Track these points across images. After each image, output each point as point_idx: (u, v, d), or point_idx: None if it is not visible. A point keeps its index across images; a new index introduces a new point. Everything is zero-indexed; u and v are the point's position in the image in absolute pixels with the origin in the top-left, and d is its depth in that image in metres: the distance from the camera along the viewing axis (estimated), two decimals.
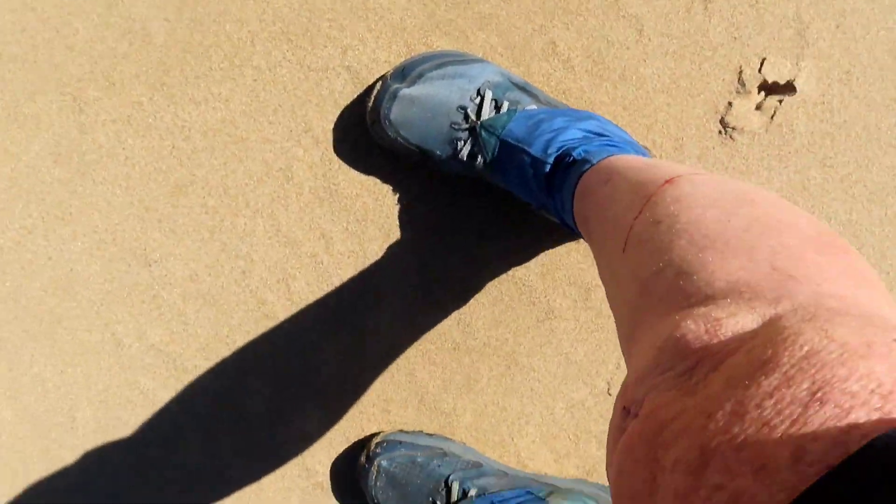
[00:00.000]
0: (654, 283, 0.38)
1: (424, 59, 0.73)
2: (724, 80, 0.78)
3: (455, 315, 0.82)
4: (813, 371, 0.24)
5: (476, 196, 0.79)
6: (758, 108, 0.79)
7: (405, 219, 0.80)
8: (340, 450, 0.86)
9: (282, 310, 0.82)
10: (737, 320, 0.30)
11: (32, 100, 0.76)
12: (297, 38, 0.76)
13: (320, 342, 0.83)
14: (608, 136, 0.68)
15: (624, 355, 0.41)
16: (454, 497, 0.79)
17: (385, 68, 0.76)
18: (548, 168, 0.65)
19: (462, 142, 0.71)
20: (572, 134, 0.67)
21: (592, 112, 0.74)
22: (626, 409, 0.32)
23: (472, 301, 0.82)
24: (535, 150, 0.66)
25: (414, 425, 0.85)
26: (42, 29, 0.75)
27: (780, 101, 0.78)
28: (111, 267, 0.80)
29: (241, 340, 0.82)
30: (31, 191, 0.78)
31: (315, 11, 0.76)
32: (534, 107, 0.71)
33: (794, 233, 0.37)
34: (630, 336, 0.38)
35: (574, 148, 0.65)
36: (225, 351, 0.83)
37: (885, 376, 0.23)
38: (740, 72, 0.78)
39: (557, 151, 0.65)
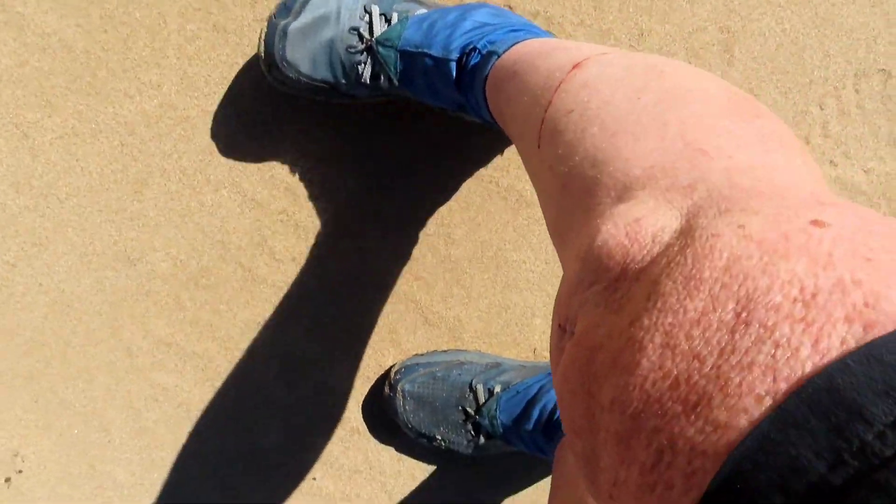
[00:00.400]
0: (572, 178, 0.37)
1: None
2: None
3: (434, 231, 0.84)
4: (736, 287, 0.23)
5: (399, 118, 0.81)
6: None
7: (351, 157, 0.82)
8: (365, 391, 0.88)
9: (269, 272, 0.83)
10: (656, 219, 0.29)
11: None
12: (207, 3, 0.77)
13: (316, 295, 0.84)
14: (508, 21, 0.66)
15: (559, 258, 0.40)
16: (481, 399, 0.80)
17: None
18: (453, 66, 0.64)
19: (363, 64, 0.69)
20: (470, 24, 0.65)
21: (484, 2, 0.72)
22: (561, 328, 0.31)
23: (446, 212, 0.83)
24: (435, 51, 0.65)
25: (426, 347, 0.86)
26: None
27: None
28: (99, 276, 0.83)
29: (241, 312, 0.84)
30: (2, 226, 0.81)
31: None
32: (422, 10, 0.70)
33: (704, 100, 0.36)
34: (561, 240, 0.38)
35: (477, 40, 0.63)
36: (228, 326, 0.85)
37: (806, 276, 0.22)
38: None
39: (460, 47, 0.64)
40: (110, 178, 0.80)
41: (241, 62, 0.79)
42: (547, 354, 0.88)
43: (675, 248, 0.27)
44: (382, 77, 0.69)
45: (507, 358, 0.86)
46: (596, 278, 0.30)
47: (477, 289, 0.85)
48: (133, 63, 0.78)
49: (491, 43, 0.62)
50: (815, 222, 0.24)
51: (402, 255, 0.84)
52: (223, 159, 0.81)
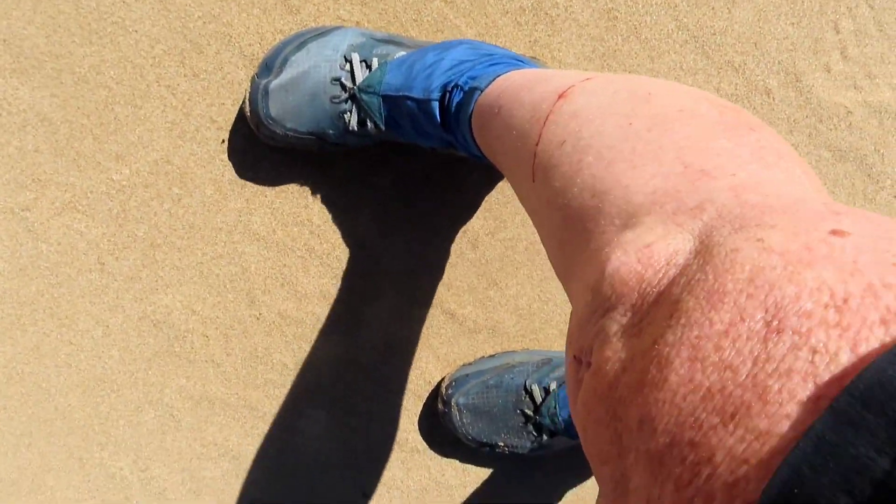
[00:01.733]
0: (572, 210, 0.36)
1: (283, 45, 0.71)
2: None
3: (458, 236, 0.81)
4: (763, 296, 0.23)
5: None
6: None
7: (364, 181, 0.78)
8: (418, 410, 0.85)
9: (299, 310, 0.81)
10: (668, 242, 0.29)
11: None
12: (183, 51, 0.73)
13: (349, 325, 0.82)
14: (487, 55, 0.65)
15: (566, 292, 0.39)
16: (538, 399, 0.78)
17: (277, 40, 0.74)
18: (435, 106, 0.63)
19: (348, 113, 0.68)
20: (448, 63, 0.64)
21: (462, 38, 0.70)
22: (577, 359, 0.31)
23: (466, 219, 0.80)
24: (416, 93, 0.64)
25: (471, 355, 0.84)
26: None
27: None
28: (127, 345, 0.80)
29: (277, 355, 0.82)
30: (19, 313, 0.78)
31: (186, 20, 0.73)
32: (403, 53, 0.68)
33: (696, 121, 0.36)
34: (566, 273, 0.37)
35: (458, 77, 0.62)
36: (267, 371, 0.82)
37: (835, 283, 0.22)
38: None
39: (441, 86, 0.63)
40: (119, 245, 0.77)
41: (228, 104, 0.75)
42: None
43: (694, 267, 0.26)
44: (369, 123, 0.68)
45: (556, 351, 0.83)
46: (610, 306, 0.29)
47: (513, 287, 0.82)
48: (118, 124, 0.74)
49: (472, 79, 0.61)
50: (834, 232, 0.24)
51: (430, 268, 0.81)
52: (230, 205, 0.77)
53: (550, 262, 0.42)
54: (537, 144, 0.42)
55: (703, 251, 0.27)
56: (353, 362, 0.83)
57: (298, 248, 0.79)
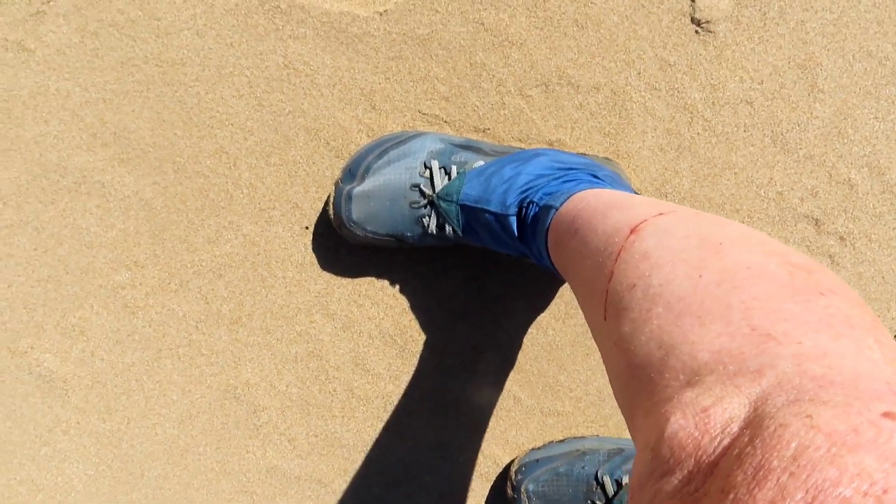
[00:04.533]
0: (638, 358, 0.38)
1: (366, 152, 0.75)
2: None
3: (533, 324, 0.81)
4: (805, 476, 0.24)
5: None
6: None
7: (439, 268, 0.80)
8: (485, 492, 0.85)
9: (371, 390, 0.83)
10: (723, 407, 0.30)
11: (77, 309, 0.81)
12: (273, 142, 0.78)
13: (419, 407, 0.83)
14: (563, 168, 0.67)
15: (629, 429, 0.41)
16: (610, 491, 0.77)
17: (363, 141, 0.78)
18: (512, 220, 0.65)
19: (427, 217, 0.71)
20: (525, 179, 0.66)
21: (541, 148, 0.73)
22: None
23: (535, 304, 0.81)
24: (494, 207, 0.66)
25: (541, 439, 0.83)
26: (55, 243, 0.80)
27: None
28: (212, 415, 0.84)
29: (348, 435, 0.84)
30: (115, 383, 0.83)
31: (278, 114, 0.78)
32: (481, 162, 0.71)
33: (766, 280, 0.36)
34: (629, 415, 0.39)
35: (533, 194, 0.64)
36: (338, 447, 0.84)
37: (876, 472, 0.23)
38: None
39: (517, 201, 0.65)
40: (205, 322, 0.81)
41: (312, 191, 0.79)
42: None
43: (745, 439, 0.28)
44: (448, 228, 0.71)
45: (626, 440, 0.82)
46: (668, 469, 0.31)
47: (583, 373, 0.82)
48: (211, 210, 0.79)
49: (547, 195, 0.63)
50: (886, 414, 0.25)
51: (501, 351, 0.82)
52: (310, 287, 0.81)
53: (614, 393, 0.43)
54: (609, 281, 0.44)
55: (755, 422, 0.28)
56: (422, 441, 0.84)
57: (373, 331, 0.81)
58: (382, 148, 0.74)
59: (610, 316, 0.43)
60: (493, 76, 0.77)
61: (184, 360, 0.82)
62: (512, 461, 0.83)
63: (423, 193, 0.71)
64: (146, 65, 0.77)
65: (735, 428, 0.29)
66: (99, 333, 0.82)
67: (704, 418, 0.30)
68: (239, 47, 0.77)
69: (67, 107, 0.78)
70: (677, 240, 0.42)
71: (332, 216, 0.75)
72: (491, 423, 0.84)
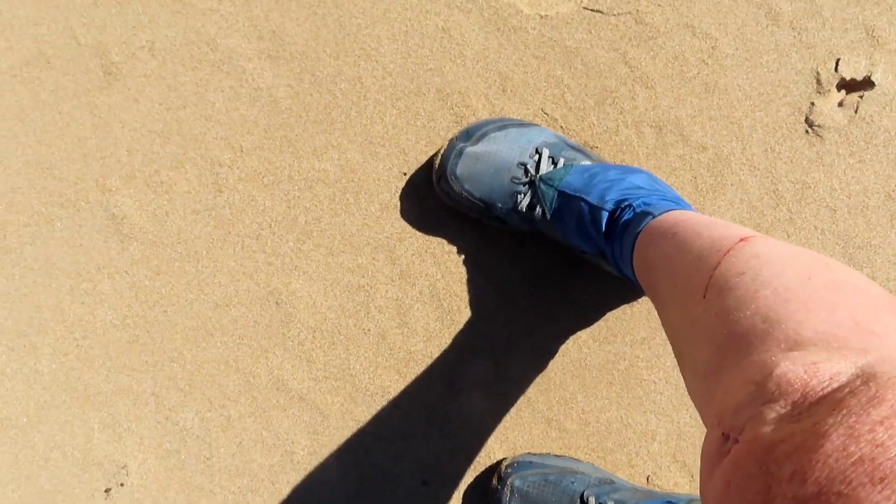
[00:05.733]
0: (741, 327, 0.41)
1: (487, 122, 0.80)
2: (802, 82, 0.83)
3: (572, 336, 0.85)
4: None
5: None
6: (840, 104, 0.83)
7: (502, 258, 0.85)
8: (469, 479, 0.86)
9: (402, 341, 0.85)
10: (832, 365, 0.33)
11: (172, 169, 0.86)
12: (406, 89, 0.85)
13: (439, 384, 0.85)
14: (660, 190, 0.72)
15: (697, 394, 0.44)
16: None
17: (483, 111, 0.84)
18: (605, 215, 0.69)
19: (522, 195, 0.76)
20: (627, 184, 0.71)
21: (642, 168, 0.78)
22: (724, 436, 0.35)
23: (582, 318, 0.84)
24: (592, 199, 0.71)
25: (538, 447, 0.85)
26: (180, 105, 0.86)
27: (861, 97, 0.82)
28: (246, 311, 0.86)
29: (365, 376, 0.86)
30: (173, 251, 0.86)
31: (419, 67, 0.85)
32: (588, 162, 0.76)
33: (869, 296, 0.41)
34: (715, 372, 0.41)
35: (633, 199, 0.69)
36: (350, 389, 0.86)
37: None
38: (817, 73, 0.82)
39: (615, 201, 0.70)
40: (279, 223, 0.86)
41: (422, 145, 0.85)
42: (661, 485, 0.84)
43: (858, 383, 0.31)
44: (538, 209, 0.75)
45: (619, 478, 0.83)
46: (772, 398, 0.34)
47: (600, 400, 0.84)
48: (327, 126, 0.85)
49: (646, 204, 0.67)
50: None
51: (532, 352, 0.85)
52: (385, 227, 0.85)
53: (689, 365, 0.46)
54: (715, 269, 0.47)
55: (866, 375, 0.32)
56: (425, 410, 0.86)
57: (425, 289, 0.85)
58: (504, 123, 0.80)
59: (712, 294, 0.46)
60: (617, 103, 0.84)
61: (246, 250, 0.86)
62: (505, 458, 0.84)
63: (527, 172, 0.76)
64: None
65: (844, 378, 0.32)
66: (182, 198, 0.86)
67: (813, 368, 0.33)
68: (409, 1, 0.85)
69: None
70: (787, 252, 0.46)
71: (437, 166, 0.79)
72: (496, 419, 0.85)
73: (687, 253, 0.53)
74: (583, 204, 0.71)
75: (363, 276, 0.86)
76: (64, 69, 0.86)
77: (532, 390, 0.85)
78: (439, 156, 0.79)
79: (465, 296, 0.85)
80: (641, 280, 0.63)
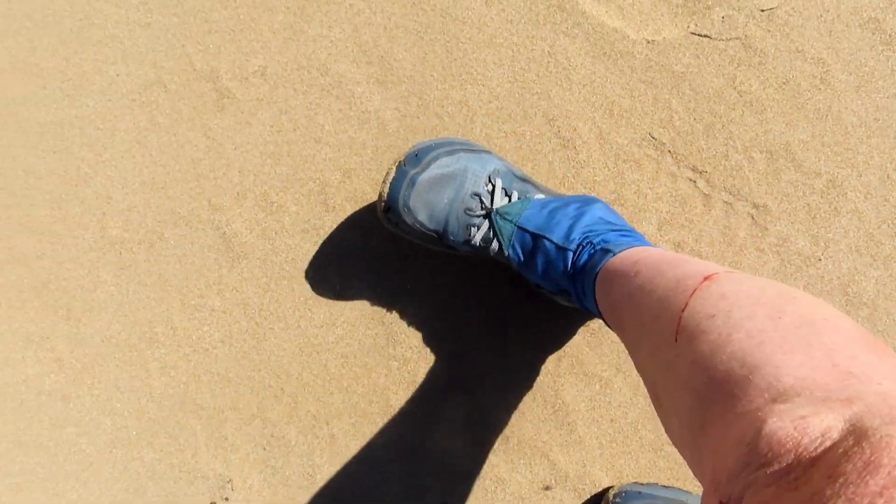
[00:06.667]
0: (719, 374, 0.39)
1: (436, 144, 0.76)
2: None
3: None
4: None
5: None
6: None
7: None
8: None
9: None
10: (821, 419, 0.32)
11: (281, 191, 0.88)
12: (512, 113, 0.85)
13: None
14: (618, 224, 0.71)
15: (682, 443, 0.43)
16: None
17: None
18: (570, 255, 0.67)
19: (476, 227, 0.73)
20: (588, 220, 0.69)
21: (596, 196, 0.75)
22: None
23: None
24: (556, 238, 0.68)
25: (646, 478, 0.83)
26: (291, 128, 0.88)
27: None
28: (355, 331, 0.88)
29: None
30: (282, 270, 0.88)
31: (525, 91, 0.85)
32: (541, 195, 0.74)
33: (842, 332, 0.39)
34: (700, 427, 0.40)
35: (594, 237, 0.67)
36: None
37: None
38: None
39: (580, 238, 0.68)
40: (388, 245, 0.87)
41: (530, 167, 0.85)
42: None
43: (850, 442, 0.30)
44: (494, 244, 0.73)
45: None
46: (766, 462, 0.32)
47: None
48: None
49: (605, 242, 0.66)
50: None
51: (641, 386, 0.84)
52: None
53: (672, 415, 0.45)
54: (683, 310, 0.46)
55: (857, 432, 0.30)
56: (537, 432, 0.85)
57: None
58: (452, 147, 0.76)
59: (683, 338, 0.45)
60: (726, 128, 0.83)
61: (352, 249, 0.87)
62: (612, 486, 0.83)
63: (482, 204, 0.73)
64: (433, 11, 0.87)
65: (835, 435, 0.31)
66: (290, 217, 0.88)
67: (803, 423, 0.32)
68: (516, 25, 0.86)
69: (353, 22, 0.88)
70: (753, 289, 0.45)
71: (386, 195, 0.75)
72: (602, 446, 0.84)
73: (651, 293, 0.52)
74: (547, 243, 0.69)
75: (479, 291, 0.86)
76: (179, 93, 0.89)
77: (643, 420, 0.84)
78: (387, 184, 0.75)
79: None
80: (607, 319, 0.62)
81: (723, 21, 0.84)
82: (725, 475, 0.34)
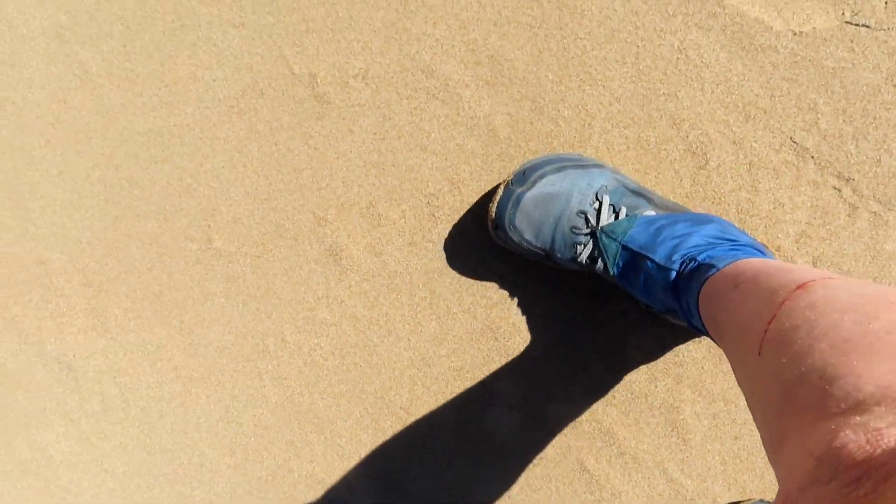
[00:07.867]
0: (797, 387, 0.38)
1: (545, 161, 0.75)
2: None
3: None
4: None
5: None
6: None
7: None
8: None
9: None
10: None
11: (387, 202, 0.85)
12: (636, 117, 0.79)
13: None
14: (731, 239, 0.67)
15: (769, 458, 0.41)
16: None
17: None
18: (672, 274, 0.65)
19: (582, 245, 0.72)
20: (696, 240, 0.66)
21: (712, 215, 0.72)
22: None
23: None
24: (658, 258, 0.66)
25: (773, 494, 0.81)
26: (395, 135, 0.83)
27: None
28: (464, 347, 0.86)
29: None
30: (390, 284, 0.86)
31: (652, 94, 0.78)
32: (652, 212, 0.71)
33: None
34: (779, 441, 0.39)
35: (699, 253, 0.64)
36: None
37: None
38: None
39: (682, 258, 0.65)
40: (498, 259, 0.84)
41: (653, 178, 0.79)
42: None
43: None
44: (600, 263, 0.71)
45: None
46: (834, 475, 0.31)
47: None
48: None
49: (711, 257, 0.63)
50: None
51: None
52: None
53: (758, 427, 0.43)
54: (770, 323, 0.44)
55: None
56: (656, 447, 0.83)
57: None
58: (561, 164, 0.74)
59: (766, 352, 0.43)
60: (880, 130, 0.75)
61: (462, 283, 0.85)
62: (739, 501, 0.81)
63: (587, 222, 0.72)
64: (548, 4, 0.79)
65: None
66: (397, 232, 0.85)
67: (877, 435, 0.30)
68: (642, 17, 0.77)
69: (460, 18, 0.81)
70: (847, 295, 0.42)
71: (493, 214, 0.76)
72: (727, 462, 0.82)
73: (744, 306, 0.50)
74: (649, 263, 0.67)
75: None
76: (278, 99, 0.85)
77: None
78: (495, 203, 0.76)
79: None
80: (712, 335, 0.60)
81: (886, 7, 0.73)
82: (796, 490, 0.33)
